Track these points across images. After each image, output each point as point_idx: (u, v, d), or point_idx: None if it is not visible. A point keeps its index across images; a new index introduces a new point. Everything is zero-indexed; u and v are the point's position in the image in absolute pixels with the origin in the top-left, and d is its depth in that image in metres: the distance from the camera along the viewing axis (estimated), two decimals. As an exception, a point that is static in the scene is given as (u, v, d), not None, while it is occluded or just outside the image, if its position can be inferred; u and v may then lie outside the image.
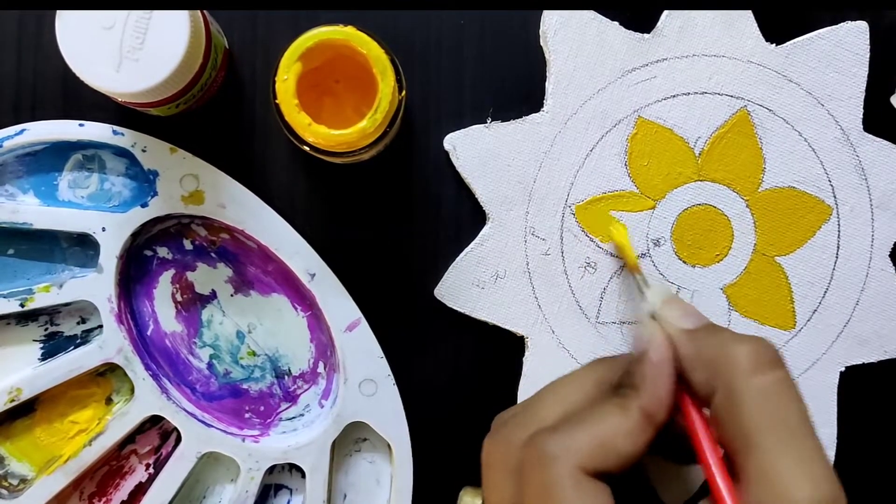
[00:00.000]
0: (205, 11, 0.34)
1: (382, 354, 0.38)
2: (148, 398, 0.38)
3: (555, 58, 0.38)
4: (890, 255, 0.39)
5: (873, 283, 0.39)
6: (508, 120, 0.38)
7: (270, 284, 0.39)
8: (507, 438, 0.29)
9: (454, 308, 0.39)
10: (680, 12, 0.38)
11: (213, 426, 0.39)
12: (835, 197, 0.39)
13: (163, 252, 0.39)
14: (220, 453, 0.39)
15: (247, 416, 0.40)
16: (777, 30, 0.38)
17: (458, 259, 0.38)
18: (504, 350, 0.39)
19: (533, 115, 0.38)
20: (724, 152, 0.38)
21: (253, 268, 0.39)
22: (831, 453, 0.40)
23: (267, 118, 0.39)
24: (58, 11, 0.31)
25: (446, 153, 0.38)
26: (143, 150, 0.37)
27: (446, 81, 0.39)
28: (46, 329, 0.39)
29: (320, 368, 0.40)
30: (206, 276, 0.39)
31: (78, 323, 0.39)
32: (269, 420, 0.40)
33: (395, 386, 0.39)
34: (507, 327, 0.39)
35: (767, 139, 0.38)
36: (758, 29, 0.38)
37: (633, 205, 0.38)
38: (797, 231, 0.39)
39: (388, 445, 0.39)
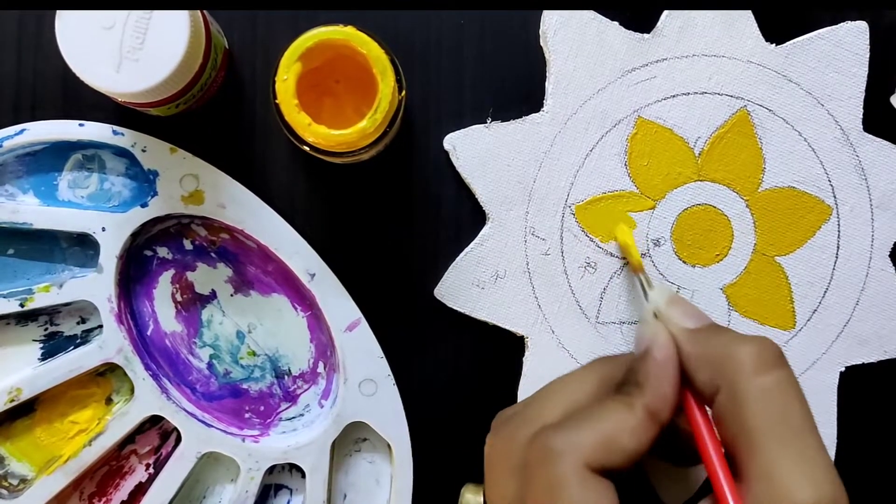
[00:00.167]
0: (205, 11, 0.34)
1: (382, 354, 0.38)
2: (148, 398, 0.38)
3: (555, 58, 0.38)
4: (890, 255, 0.39)
5: (873, 283, 0.39)
6: (508, 120, 0.38)
7: (270, 284, 0.39)
8: (510, 436, 0.29)
9: (454, 308, 0.39)
10: (680, 12, 0.38)
11: (213, 426, 0.39)
12: (835, 197, 0.39)
13: (163, 252, 0.39)
14: (220, 453, 0.39)
15: (247, 416, 0.40)
16: (777, 30, 0.38)
17: (458, 259, 0.38)
18: (504, 350, 0.39)
19: (533, 115, 0.38)
20: (724, 152, 0.38)
21: (253, 268, 0.39)
22: (831, 453, 0.40)
23: (267, 118, 0.39)
24: (58, 11, 0.31)
25: (446, 153, 0.38)
26: (143, 150, 0.37)
27: (446, 81, 0.39)
28: (46, 329, 0.39)
29: (320, 368, 0.40)
30: (206, 276, 0.39)
31: (78, 323, 0.39)
32: (269, 420, 0.40)
33: (395, 386, 0.39)
34: (506, 327, 0.39)
35: (767, 139, 0.38)
36: (758, 29, 0.38)
37: (633, 205, 0.38)
38: (797, 231, 0.39)
39: (388, 445, 0.39)
